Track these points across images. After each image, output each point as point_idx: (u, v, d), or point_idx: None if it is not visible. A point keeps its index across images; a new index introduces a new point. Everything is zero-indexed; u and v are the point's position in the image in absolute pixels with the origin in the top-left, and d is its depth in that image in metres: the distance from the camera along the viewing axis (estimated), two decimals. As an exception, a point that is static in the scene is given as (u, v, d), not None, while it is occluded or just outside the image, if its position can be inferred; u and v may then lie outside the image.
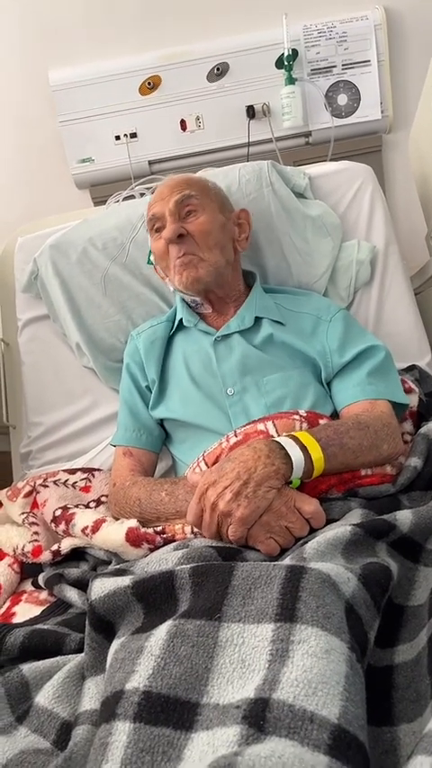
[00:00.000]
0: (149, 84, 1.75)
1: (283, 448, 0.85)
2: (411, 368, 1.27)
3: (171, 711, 0.50)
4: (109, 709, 0.51)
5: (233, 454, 0.87)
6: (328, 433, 0.91)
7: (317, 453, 0.86)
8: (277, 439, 0.88)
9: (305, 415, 0.98)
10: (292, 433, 0.90)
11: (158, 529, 0.92)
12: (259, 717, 0.46)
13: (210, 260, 1.12)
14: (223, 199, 1.22)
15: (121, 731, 0.49)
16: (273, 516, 0.80)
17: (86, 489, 1.15)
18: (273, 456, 0.84)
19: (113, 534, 0.92)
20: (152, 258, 1.21)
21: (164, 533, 0.91)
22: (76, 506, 1.07)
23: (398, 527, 0.74)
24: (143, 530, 0.91)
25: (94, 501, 1.13)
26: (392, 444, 0.96)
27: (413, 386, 1.17)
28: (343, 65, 1.78)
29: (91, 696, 0.60)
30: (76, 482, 1.15)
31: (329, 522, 0.81)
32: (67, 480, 1.14)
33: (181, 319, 1.21)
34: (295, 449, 0.85)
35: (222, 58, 1.74)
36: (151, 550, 0.90)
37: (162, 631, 0.57)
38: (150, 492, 1.00)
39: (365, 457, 0.93)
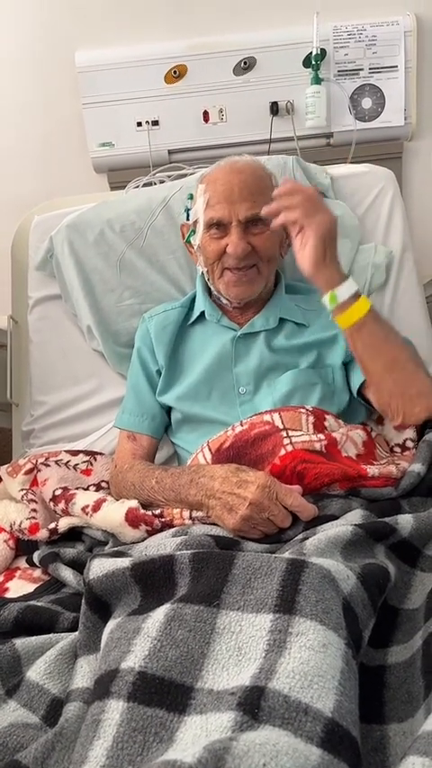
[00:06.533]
0: (175, 72, 1.74)
1: None
2: (418, 374, 1.27)
3: (165, 693, 0.50)
4: (103, 687, 0.51)
5: None
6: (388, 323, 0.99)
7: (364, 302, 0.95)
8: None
9: (311, 409, 1.00)
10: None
11: (157, 512, 0.93)
12: (254, 705, 0.46)
13: (265, 274, 1.12)
14: None
15: (115, 709, 0.49)
16: (255, 509, 0.81)
17: (87, 472, 1.15)
18: None
19: (113, 513, 0.92)
20: (193, 239, 1.16)
21: (162, 517, 0.92)
22: (77, 489, 1.07)
23: (398, 531, 0.74)
24: (142, 511, 0.92)
25: (93, 485, 1.13)
26: (426, 402, 0.99)
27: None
28: (370, 68, 1.76)
29: (83, 674, 0.60)
30: (77, 464, 1.15)
31: (330, 518, 0.82)
32: (68, 462, 1.14)
33: (202, 311, 1.20)
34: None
35: (250, 53, 1.73)
36: (149, 533, 0.90)
37: (160, 614, 0.57)
38: (142, 479, 1.01)
39: (401, 367, 0.98)
